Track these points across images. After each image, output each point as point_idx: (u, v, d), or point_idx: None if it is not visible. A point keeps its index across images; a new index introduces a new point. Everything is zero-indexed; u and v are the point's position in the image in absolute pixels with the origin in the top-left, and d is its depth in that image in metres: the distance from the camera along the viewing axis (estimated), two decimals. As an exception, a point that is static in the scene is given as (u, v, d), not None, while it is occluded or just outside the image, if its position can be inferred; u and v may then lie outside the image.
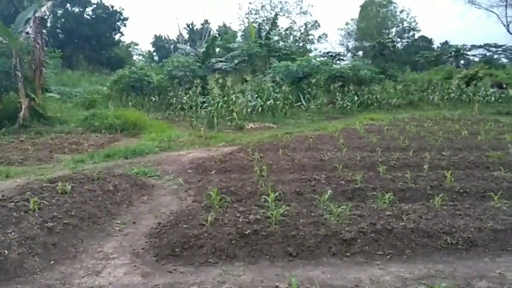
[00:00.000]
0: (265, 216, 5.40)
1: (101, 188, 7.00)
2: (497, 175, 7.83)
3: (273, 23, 34.11)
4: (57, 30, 45.51)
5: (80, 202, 6.21)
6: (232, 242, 4.88)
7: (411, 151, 10.33)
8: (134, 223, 6.03)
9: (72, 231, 5.37)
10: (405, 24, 57.77)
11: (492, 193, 6.64)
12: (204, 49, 27.88)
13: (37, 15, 15.46)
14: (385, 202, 6.02)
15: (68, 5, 45.59)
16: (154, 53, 64.15)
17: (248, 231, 4.99)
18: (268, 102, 19.23)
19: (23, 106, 15.08)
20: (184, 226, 5.31)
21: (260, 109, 19.38)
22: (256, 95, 20.00)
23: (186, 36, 61.78)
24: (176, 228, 5.34)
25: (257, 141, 12.67)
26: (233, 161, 9.66)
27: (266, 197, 6.03)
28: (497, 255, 4.73)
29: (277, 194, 6.32)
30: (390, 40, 32.83)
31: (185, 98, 18.79)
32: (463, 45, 38.76)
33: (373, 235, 4.95)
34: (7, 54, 15.28)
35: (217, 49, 35.63)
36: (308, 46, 56.07)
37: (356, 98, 22.72)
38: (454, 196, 6.76)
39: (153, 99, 20.73)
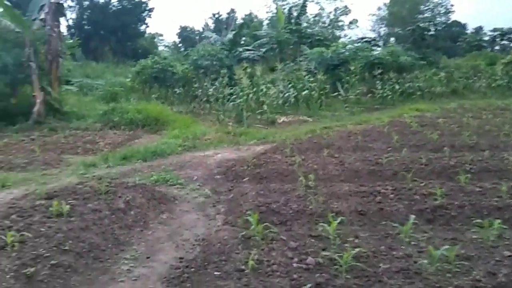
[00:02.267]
0: (328, 258, 3.81)
1: (110, 206, 5.54)
2: None
3: (303, 7, 32.09)
4: (83, 22, 44.79)
5: (80, 228, 4.76)
6: (286, 303, 3.32)
7: (485, 150, 8.52)
8: (148, 258, 4.54)
9: (62, 276, 3.90)
10: (440, 8, 54.44)
11: None
12: (231, 37, 26.27)
13: (52, 0, 14.16)
14: (492, 232, 4.33)
15: (93, -5, 44.75)
16: (180, 44, 62.99)
17: (309, 286, 3.42)
18: (304, 93, 17.47)
19: (38, 101, 13.87)
20: (216, 272, 3.78)
21: (292, 100, 17.68)
22: (289, 85, 18.28)
23: (211, 26, 60.30)
24: (203, 275, 3.81)
25: (294, 138, 11.04)
26: (270, 165, 8.10)
27: (323, 223, 4.45)
28: None
29: (333, 214, 4.75)
30: (431, 23, 30.39)
31: (211, 89, 17.27)
32: (509, 28, 35.68)
33: (497, 294, 3.30)
34: (21, 44, 14.08)
35: (243, 38, 34.02)
36: (337, 33, 53.67)
37: (397, 87, 20.71)
38: None
39: (177, 91, 19.30)
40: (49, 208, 5.16)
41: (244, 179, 7.46)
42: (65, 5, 40.40)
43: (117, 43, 46.49)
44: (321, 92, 17.96)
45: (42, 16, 14.15)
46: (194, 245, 4.81)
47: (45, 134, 12.44)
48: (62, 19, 15.70)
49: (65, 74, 17.15)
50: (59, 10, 15.53)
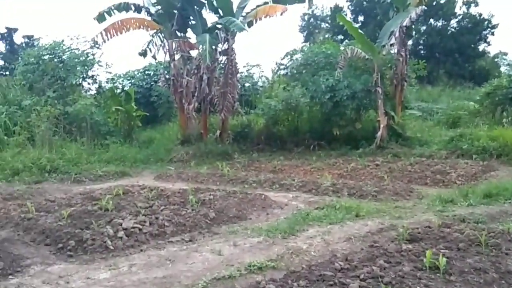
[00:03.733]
0: None
1: (496, 265, 4.10)
2: None
3: None
4: (419, 47, 44.60)
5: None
6: None
7: None
8: None
9: None
10: None
11: None
12: None
13: (404, 24, 13.82)
14: None
15: (431, 20, 43.99)
16: (528, 61, 54.24)
17: None
18: None
19: (381, 125, 13.73)
20: None
21: None
22: None
23: None
24: None
25: None
26: None
27: None
28: None
29: None
30: None
31: None
32: None
33: None
34: (368, 70, 14.38)
35: None
36: None
37: None
38: None
39: (538, 115, 15.77)
40: (418, 256, 4.19)
41: None
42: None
43: (453, 65, 43.92)
44: None
45: (392, 41, 13.98)
46: None
47: (388, 160, 12.03)
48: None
49: (405, 98, 16.63)
50: (407, 34, 15.18)
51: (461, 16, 44.35)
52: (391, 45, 14.05)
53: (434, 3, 40.79)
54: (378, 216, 6.64)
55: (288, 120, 16.22)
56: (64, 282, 4.49)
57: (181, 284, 4.36)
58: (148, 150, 15.48)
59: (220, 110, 15.24)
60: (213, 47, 14.96)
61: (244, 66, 20.93)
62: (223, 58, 15.60)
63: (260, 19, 15.13)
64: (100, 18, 15.02)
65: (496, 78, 17.72)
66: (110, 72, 19.38)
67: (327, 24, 45.68)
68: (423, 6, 13.98)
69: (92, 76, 18.57)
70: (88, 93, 19.62)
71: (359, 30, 14.33)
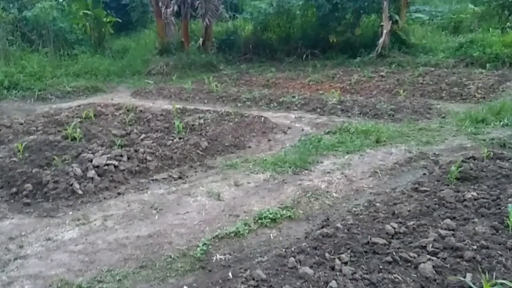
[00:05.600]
0: None
1: None
2: None
3: None
4: None
5: None
6: None
7: None
8: None
9: None
10: None
11: None
12: None
13: None
14: None
15: None
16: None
17: None
18: None
19: (384, 31, 12.25)
20: None
21: None
22: None
23: None
24: None
25: None
26: None
27: None
28: None
29: None
30: None
31: None
32: None
33: None
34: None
35: None
36: None
37: None
38: None
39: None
40: (488, 208, 3.16)
41: None
42: None
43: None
44: None
45: None
46: None
47: (393, 71, 10.79)
48: None
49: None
50: None
51: None
52: None
53: None
54: (402, 141, 5.59)
55: (279, 26, 14.53)
56: (16, 247, 3.41)
57: (173, 247, 3.31)
58: (123, 61, 13.81)
59: (203, 15, 13.37)
60: None
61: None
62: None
63: None
64: None
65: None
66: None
67: None
68: None
69: (50, -27, 16.02)
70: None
71: None
